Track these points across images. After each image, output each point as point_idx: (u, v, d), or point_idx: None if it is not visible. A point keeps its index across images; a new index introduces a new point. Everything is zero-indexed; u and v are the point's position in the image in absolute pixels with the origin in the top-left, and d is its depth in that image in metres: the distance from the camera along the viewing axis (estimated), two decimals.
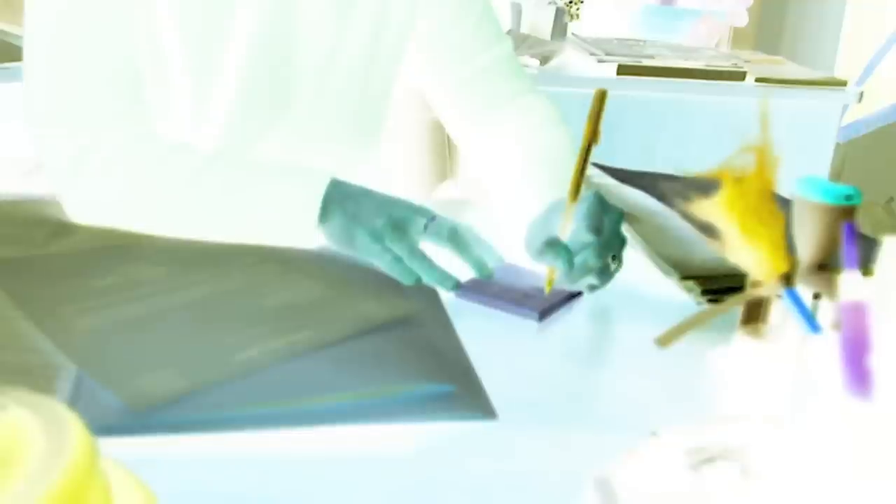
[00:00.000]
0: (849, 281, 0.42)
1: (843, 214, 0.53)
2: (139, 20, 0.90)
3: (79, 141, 0.86)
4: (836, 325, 0.49)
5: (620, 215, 0.83)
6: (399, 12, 1.02)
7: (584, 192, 0.81)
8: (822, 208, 0.53)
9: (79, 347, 0.64)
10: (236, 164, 0.88)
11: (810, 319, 0.47)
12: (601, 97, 0.79)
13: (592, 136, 0.79)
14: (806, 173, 0.56)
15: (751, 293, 0.53)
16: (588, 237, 0.79)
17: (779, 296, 0.53)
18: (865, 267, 0.45)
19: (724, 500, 0.44)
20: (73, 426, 0.38)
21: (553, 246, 0.79)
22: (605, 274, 0.82)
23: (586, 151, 0.80)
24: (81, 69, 0.87)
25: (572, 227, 0.80)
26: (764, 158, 0.47)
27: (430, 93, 1.09)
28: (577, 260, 0.79)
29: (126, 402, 0.57)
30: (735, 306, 0.55)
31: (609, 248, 0.81)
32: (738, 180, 0.47)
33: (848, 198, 0.53)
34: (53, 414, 0.39)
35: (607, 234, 0.80)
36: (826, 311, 0.53)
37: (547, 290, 0.81)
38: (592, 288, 0.82)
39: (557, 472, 0.56)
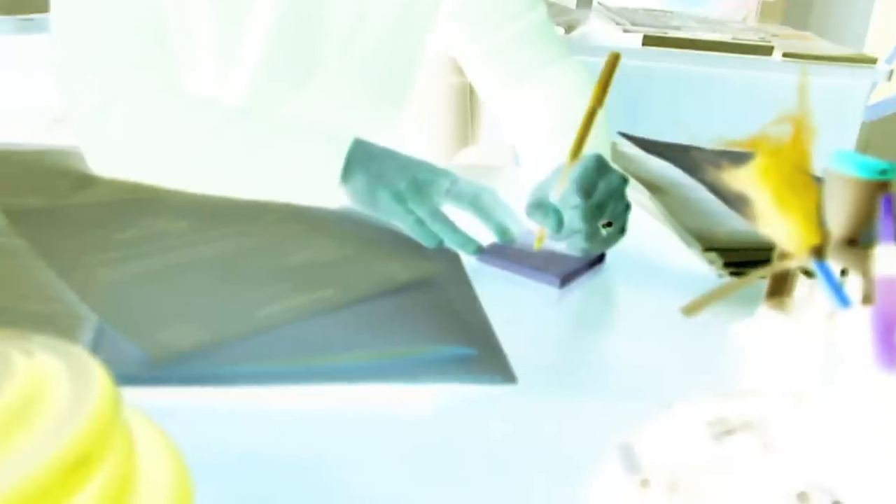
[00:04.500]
0: (884, 255, 0.41)
1: (877, 189, 0.52)
2: None
3: (103, 91, 0.86)
4: (866, 301, 0.49)
5: (622, 181, 0.81)
6: None
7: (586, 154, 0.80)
8: (856, 182, 0.52)
9: (100, 298, 0.64)
10: (261, 120, 0.87)
11: (840, 293, 0.47)
12: (614, 61, 0.78)
13: (599, 100, 0.79)
14: (830, 151, 0.55)
15: (779, 265, 0.53)
16: (574, 199, 0.78)
17: (806, 271, 0.53)
18: None
19: (746, 471, 0.43)
20: (97, 373, 0.38)
21: (540, 206, 0.79)
22: (595, 238, 0.80)
23: (591, 114, 0.80)
24: (108, 20, 0.86)
25: (564, 189, 0.80)
26: (801, 129, 0.47)
27: (463, 60, 1.08)
28: (564, 221, 0.79)
29: (147, 353, 0.57)
30: (762, 278, 0.54)
31: (600, 212, 0.79)
32: (774, 150, 0.47)
33: (883, 172, 0.52)
34: (78, 361, 0.39)
35: (598, 197, 0.79)
36: (853, 288, 0.52)
37: (536, 247, 0.81)
38: (585, 251, 0.81)
39: (575, 437, 0.56)
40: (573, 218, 0.79)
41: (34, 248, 0.71)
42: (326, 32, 0.98)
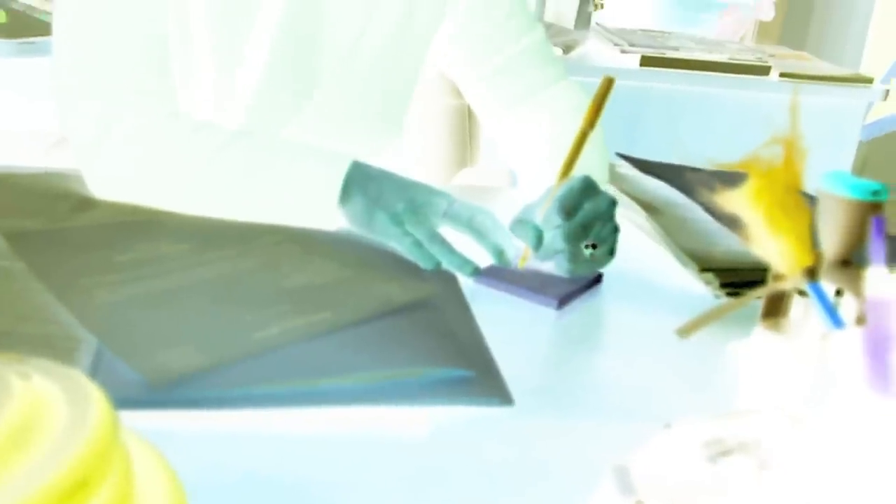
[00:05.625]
0: (875, 276, 0.41)
1: (870, 210, 0.52)
2: None
3: (103, 115, 0.86)
4: (860, 321, 0.49)
5: (611, 203, 0.82)
6: (429, 1, 1.02)
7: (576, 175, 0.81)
8: (848, 203, 0.53)
9: (99, 321, 0.64)
10: (259, 143, 0.88)
11: (833, 314, 0.47)
12: (608, 85, 0.79)
13: (590, 123, 0.80)
14: (827, 171, 0.55)
15: (774, 286, 0.53)
16: (555, 219, 0.79)
17: (801, 292, 0.53)
18: (889, 265, 0.45)
19: (742, 493, 0.43)
20: (96, 397, 0.38)
21: (522, 224, 0.80)
22: (577, 259, 0.81)
23: (582, 137, 0.81)
24: (109, 44, 0.87)
25: (547, 209, 0.81)
26: (792, 150, 0.47)
27: (461, 81, 1.08)
28: (546, 240, 0.80)
29: (145, 376, 0.57)
30: (758, 299, 0.54)
31: (584, 233, 0.80)
32: (766, 172, 0.47)
33: (875, 193, 0.52)
34: (76, 385, 0.39)
35: (581, 218, 0.79)
36: (848, 308, 0.53)
37: (520, 265, 0.82)
38: (570, 272, 0.82)
39: (572, 459, 0.56)
40: (555, 238, 0.80)
41: (33, 271, 0.71)
42: (324, 55, 0.99)
